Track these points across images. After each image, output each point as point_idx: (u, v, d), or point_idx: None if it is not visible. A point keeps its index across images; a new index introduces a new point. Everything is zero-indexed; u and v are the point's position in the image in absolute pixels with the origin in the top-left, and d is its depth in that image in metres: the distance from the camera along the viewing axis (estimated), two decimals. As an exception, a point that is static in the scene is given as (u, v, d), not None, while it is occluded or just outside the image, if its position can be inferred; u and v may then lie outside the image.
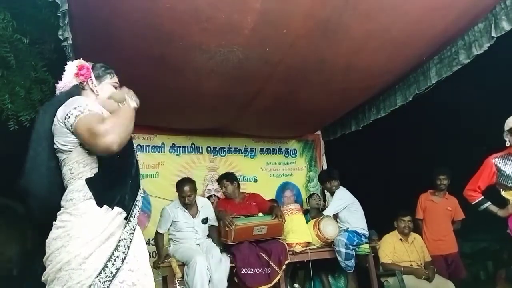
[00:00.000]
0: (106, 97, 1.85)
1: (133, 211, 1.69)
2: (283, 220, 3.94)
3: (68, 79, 1.86)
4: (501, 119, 3.26)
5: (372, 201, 4.68)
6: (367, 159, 6.74)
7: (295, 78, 3.73)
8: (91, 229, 1.56)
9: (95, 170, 1.65)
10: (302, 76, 3.70)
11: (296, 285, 4.15)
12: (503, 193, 3.17)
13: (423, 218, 4.82)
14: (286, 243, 4.01)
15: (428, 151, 5.99)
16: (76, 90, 1.82)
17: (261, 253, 3.85)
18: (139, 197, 1.77)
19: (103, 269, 1.52)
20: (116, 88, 1.91)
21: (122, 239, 1.60)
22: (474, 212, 3.41)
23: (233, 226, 3.74)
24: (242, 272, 3.67)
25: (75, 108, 1.63)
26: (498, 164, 3.17)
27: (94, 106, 1.70)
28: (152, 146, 4.90)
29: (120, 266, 1.55)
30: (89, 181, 1.63)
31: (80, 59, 1.93)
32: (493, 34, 3.10)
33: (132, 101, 1.74)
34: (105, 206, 1.61)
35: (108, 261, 1.54)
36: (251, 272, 3.68)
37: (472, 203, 3.33)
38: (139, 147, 4.81)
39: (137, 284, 1.60)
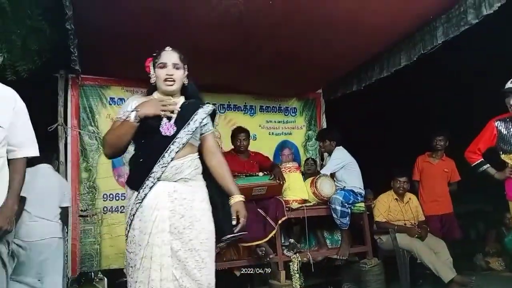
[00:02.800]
0: (159, 83, 2.16)
1: (145, 183, 2.01)
2: (282, 182, 3.98)
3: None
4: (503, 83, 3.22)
5: (370, 161, 4.72)
6: (367, 119, 6.73)
7: (298, 34, 3.63)
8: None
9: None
10: (305, 32, 3.60)
11: (291, 240, 4.25)
12: (502, 156, 3.20)
13: (420, 179, 4.89)
14: (283, 200, 4.07)
15: (430, 114, 5.97)
16: (151, 86, 2.24)
17: (258, 209, 3.92)
18: (157, 168, 2.01)
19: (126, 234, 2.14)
20: (162, 68, 2.13)
21: (131, 209, 2.05)
22: (468, 174, 3.44)
23: None
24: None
25: (119, 110, 2.19)
26: (499, 127, 3.17)
27: (133, 105, 2.05)
28: (152, 101, 4.84)
29: (128, 229, 2.09)
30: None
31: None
32: (505, -7, 3.00)
33: (133, 115, 1.99)
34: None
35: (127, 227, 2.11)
36: (248, 227, 3.74)
37: (472, 165, 3.36)
38: (138, 101, 4.76)
39: (137, 238, 2.04)
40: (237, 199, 2.21)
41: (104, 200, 4.45)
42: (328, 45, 3.92)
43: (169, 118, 2.08)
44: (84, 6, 3.05)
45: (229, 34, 3.53)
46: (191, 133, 2.10)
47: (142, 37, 3.51)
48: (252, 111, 5.49)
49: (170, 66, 2.12)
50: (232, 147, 4.43)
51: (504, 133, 3.14)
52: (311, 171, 4.83)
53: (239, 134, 4.32)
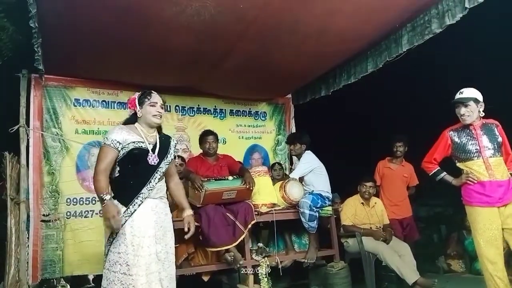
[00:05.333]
0: (148, 116, 2.71)
1: (134, 200, 2.57)
2: (252, 187, 3.97)
3: (128, 110, 2.90)
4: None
5: (337, 166, 4.79)
6: (335, 124, 6.83)
7: (268, 38, 3.66)
8: None
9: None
10: (275, 36, 3.64)
11: (260, 244, 4.25)
12: (458, 164, 3.32)
13: (381, 184, 5.01)
14: (253, 204, 4.07)
15: (395, 118, 6.12)
16: (133, 117, 2.78)
17: (227, 213, 3.89)
18: (145, 190, 2.61)
19: (108, 239, 2.60)
20: (153, 106, 2.72)
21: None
22: (431, 179, 3.56)
23: (203, 190, 3.73)
24: (205, 231, 3.70)
25: (105, 137, 2.67)
26: (453, 137, 3.30)
27: (119, 135, 2.62)
28: (118, 103, 4.71)
29: (114, 237, 2.53)
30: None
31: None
32: (467, 5, 3.11)
33: (105, 199, 2.49)
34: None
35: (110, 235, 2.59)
36: (216, 231, 3.72)
37: (430, 174, 3.49)
38: (104, 103, 4.65)
39: (128, 241, 2.52)
40: (188, 212, 2.88)
41: (67, 205, 4.31)
42: (298, 51, 3.97)
43: (154, 151, 2.70)
44: (49, 4, 2.97)
45: (199, 36, 3.51)
46: (168, 163, 2.77)
47: (109, 37, 3.44)
48: (222, 115, 5.47)
49: (159, 105, 2.76)
50: (201, 151, 4.40)
51: (458, 142, 3.27)
52: (280, 177, 4.86)
53: (208, 137, 4.30)
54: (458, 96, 3.26)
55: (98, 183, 2.54)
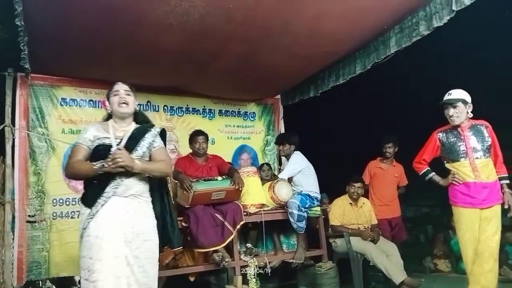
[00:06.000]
0: (114, 107, 2.56)
1: (97, 201, 2.36)
2: (241, 187, 3.97)
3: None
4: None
5: (325, 166, 4.81)
6: (323, 124, 6.86)
7: (257, 39, 3.66)
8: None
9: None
10: (265, 37, 3.64)
11: (248, 244, 4.25)
12: (446, 164, 3.39)
13: (371, 184, 5.05)
14: (241, 204, 4.06)
15: (384, 119, 6.16)
16: (109, 115, 2.64)
17: (216, 214, 3.88)
18: (109, 189, 2.37)
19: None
20: (116, 95, 2.55)
21: (84, 223, 2.38)
22: (419, 180, 3.62)
23: (191, 191, 3.72)
24: (194, 232, 3.69)
25: (78, 136, 2.60)
26: (442, 138, 3.36)
27: (91, 132, 2.50)
28: (106, 102, 4.69)
29: (80, 239, 2.38)
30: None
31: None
32: (454, 8, 3.15)
33: (99, 167, 2.34)
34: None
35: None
36: (204, 232, 3.71)
37: (420, 174, 3.56)
38: (91, 102, 4.61)
39: (90, 243, 2.31)
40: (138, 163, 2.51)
41: (53, 205, 4.25)
42: (287, 52, 3.98)
43: (118, 144, 2.46)
44: (37, 5, 2.93)
45: (188, 36, 3.50)
46: (139, 156, 2.50)
47: (97, 35, 3.41)
48: (211, 115, 5.45)
49: (122, 93, 2.56)
50: (191, 150, 4.38)
51: (446, 143, 3.34)
52: (268, 177, 4.86)
53: (198, 137, 4.28)
54: (446, 97, 3.31)
55: (77, 167, 2.42)
